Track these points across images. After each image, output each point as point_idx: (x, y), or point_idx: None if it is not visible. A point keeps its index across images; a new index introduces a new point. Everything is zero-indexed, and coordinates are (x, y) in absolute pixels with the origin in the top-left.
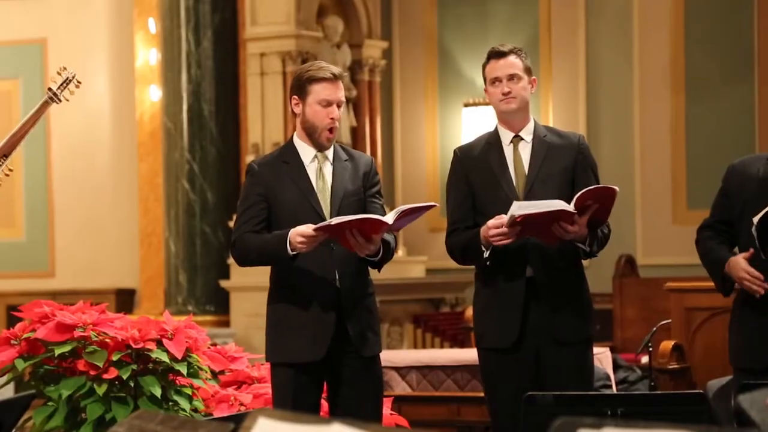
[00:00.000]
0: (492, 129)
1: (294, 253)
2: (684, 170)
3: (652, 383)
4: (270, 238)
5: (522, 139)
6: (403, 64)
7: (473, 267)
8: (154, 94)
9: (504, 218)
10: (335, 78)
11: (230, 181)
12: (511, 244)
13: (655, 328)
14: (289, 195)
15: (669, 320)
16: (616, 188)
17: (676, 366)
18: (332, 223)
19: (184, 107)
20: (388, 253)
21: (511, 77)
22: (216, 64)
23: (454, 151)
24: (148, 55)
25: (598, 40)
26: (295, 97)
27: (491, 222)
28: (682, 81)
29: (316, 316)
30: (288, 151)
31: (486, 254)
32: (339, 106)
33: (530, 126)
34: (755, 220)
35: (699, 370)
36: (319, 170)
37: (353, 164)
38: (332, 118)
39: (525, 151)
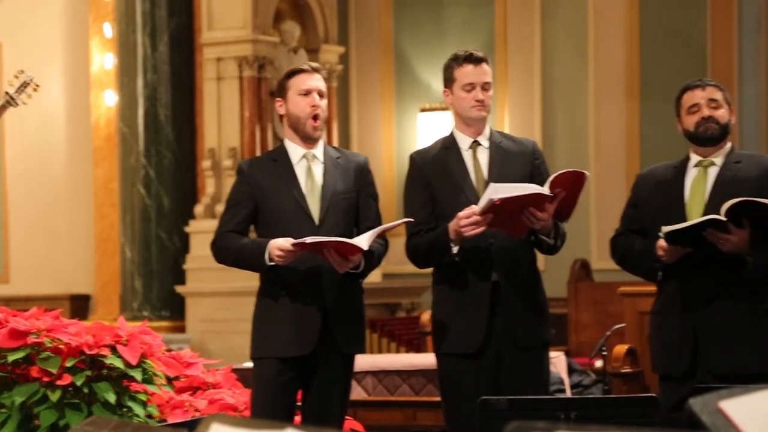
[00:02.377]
0: (447, 134)
1: (271, 264)
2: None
3: (606, 387)
4: (249, 244)
5: (480, 144)
6: (359, 68)
7: (430, 272)
8: (109, 98)
9: (474, 208)
10: (312, 70)
11: (186, 186)
12: (476, 250)
13: (609, 332)
14: (276, 193)
15: (623, 324)
16: (587, 173)
17: (629, 370)
18: (307, 241)
19: (140, 112)
20: (371, 263)
21: (485, 85)
22: (172, 69)
23: (411, 156)
24: (104, 60)
25: (553, 44)
26: (279, 99)
27: (462, 213)
28: (637, 85)
29: (302, 312)
30: (278, 151)
31: (455, 250)
32: (321, 96)
33: (487, 131)
34: (665, 229)
35: (652, 374)
36: (309, 169)
37: (345, 163)
38: (314, 106)
39: (483, 156)
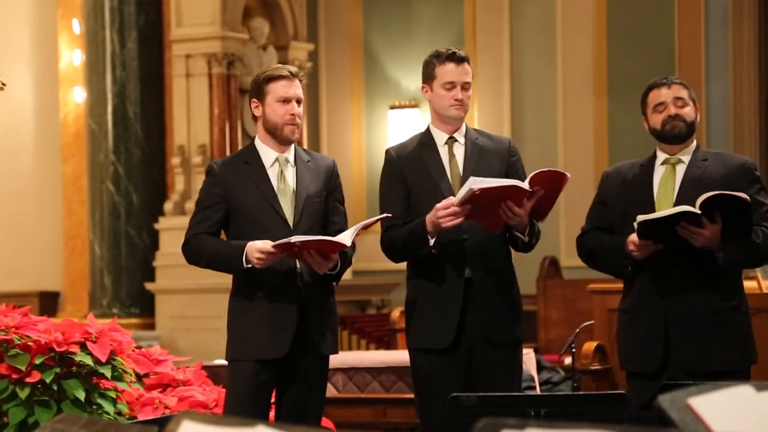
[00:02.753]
0: (423, 130)
1: (248, 266)
2: None
3: (575, 384)
4: (225, 246)
5: (456, 140)
6: (328, 66)
7: (400, 268)
8: (78, 95)
9: (453, 199)
10: (292, 76)
11: (156, 183)
12: (450, 245)
13: (578, 330)
14: (250, 196)
15: (592, 321)
16: (568, 175)
17: (598, 367)
18: (292, 241)
19: (109, 109)
20: (345, 264)
21: (465, 85)
22: (141, 66)
23: (387, 151)
24: (73, 56)
25: (521, 42)
26: (255, 100)
27: (440, 204)
28: (605, 83)
29: (278, 313)
30: (249, 153)
31: (432, 242)
32: (299, 104)
33: (463, 128)
34: (640, 218)
35: (621, 371)
36: (281, 173)
37: (315, 166)
38: (292, 114)
39: (459, 152)
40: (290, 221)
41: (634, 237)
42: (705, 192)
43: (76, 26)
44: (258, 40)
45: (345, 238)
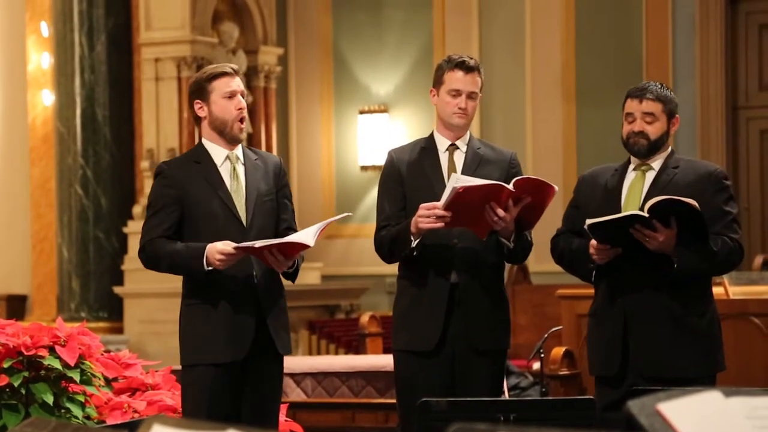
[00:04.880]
0: (428, 135)
1: (209, 268)
2: (575, 177)
3: (544, 389)
4: (184, 249)
5: (458, 148)
6: (298, 70)
7: (373, 272)
8: (46, 98)
9: (437, 203)
10: (234, 72)
11: (124, 187)
12: (439, 249)
13: (546, 335)
14: (204, 196)
15: (560, 327)
16: (556, 187)
17: (567, 372)
18: (256, 245)
19: (78, 112)
20: (300, 263)
21: (471, 94)
22: (110, 69)
23: (389, 153)
24: (41, 59)
25: (490, 47)
26: (198, 101)
27: (423, 205)
28: (573, 89)
29: (235, 316)
30: (198, 152)
31: (414, 243)
32: (243, 97)
33: (466, 136)
34: (588, 222)
35: (589, 376)
36: (233, 170)
37: (263, 164)
38: (240, 108)
39: (459, 159)
40: (244, 220)
41: (594, 240)
42: None
43: (45, 29)
44: (227, 44)
45: (308, 238)
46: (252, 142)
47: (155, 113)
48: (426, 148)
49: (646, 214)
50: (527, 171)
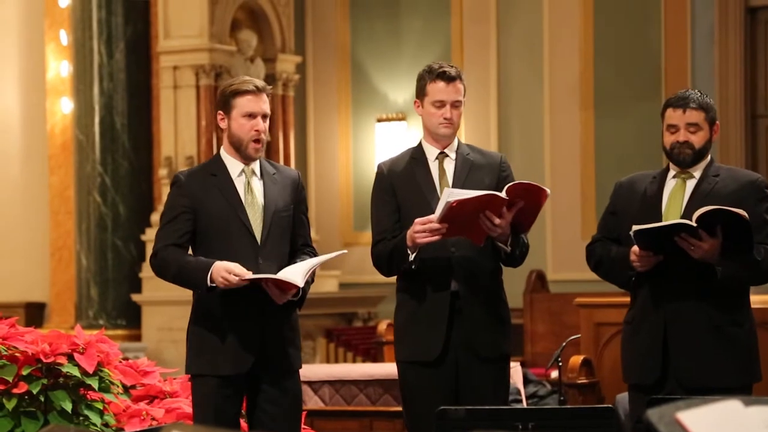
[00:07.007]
0: (416, 144)
1: (212, 285)
2: (593, 186)
3: (562, 398)
4: (192, 262)
5: (447, 155)
6: (316, 78)
7: (390, 281)
8: (65, 106)
9: (432, 216)
10: (258, 90)
11: (143, 195)
12: (437, 259)
13: (564, 343)
14: (217, 208)
15: (578, 335)
16: (548, 190)
17: (585, 380)
18: (246, 277)
19: (96, 120)
20: (305, 292)
21: (455, 103)
22: (128, 77)
23: (379, 166)
24: (60, 67)
25: (508, 56)
26: (221, 112)
27: (419, 219)
28: (591, 97)
29: (240, 329)
30: (215, 164)
31: (411, 257)
32: (264, 119)
33: (454, 144)
34: (635, 228)
35: (607, 385)
36: (248, 184)
37: (281, 179)
38: (257, 130)
39: (449, 167)
40: (257, 236)
41: (636, 247)
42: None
43: (64, 37)
44: (246, 52)
45: (297, 278)
46: (270, 150)
47: (173, 121)
48: (416, 158)
49: (694, 224)
50: (546, 179)
